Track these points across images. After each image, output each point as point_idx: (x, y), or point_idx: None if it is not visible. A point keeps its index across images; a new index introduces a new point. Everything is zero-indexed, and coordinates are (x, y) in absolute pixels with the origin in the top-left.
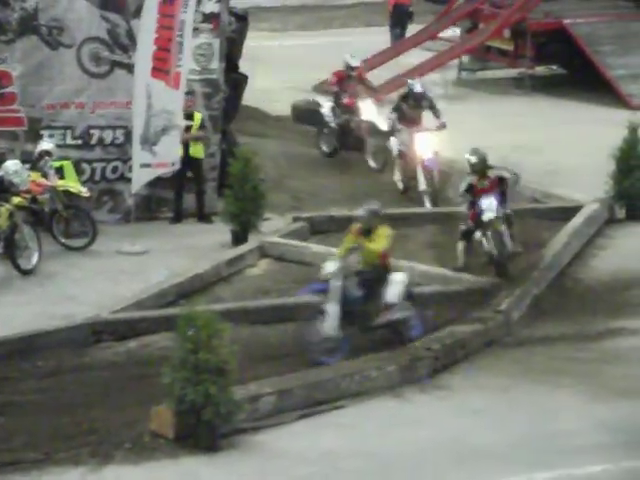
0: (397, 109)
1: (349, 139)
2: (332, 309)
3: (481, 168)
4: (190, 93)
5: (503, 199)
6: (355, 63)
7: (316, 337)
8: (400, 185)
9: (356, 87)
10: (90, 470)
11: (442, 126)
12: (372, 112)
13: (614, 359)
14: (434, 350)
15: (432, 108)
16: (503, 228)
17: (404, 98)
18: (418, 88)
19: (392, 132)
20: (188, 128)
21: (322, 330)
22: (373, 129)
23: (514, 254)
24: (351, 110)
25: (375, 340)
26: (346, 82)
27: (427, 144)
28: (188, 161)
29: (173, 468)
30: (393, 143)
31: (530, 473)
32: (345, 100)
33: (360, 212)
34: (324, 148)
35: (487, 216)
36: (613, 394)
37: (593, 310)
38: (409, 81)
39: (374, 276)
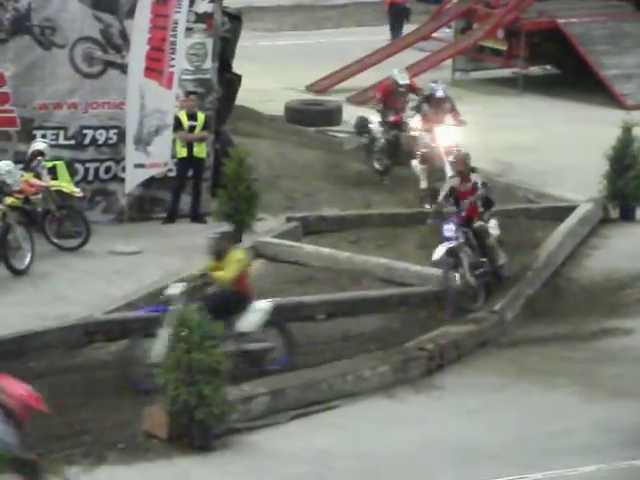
0: (418, 110)
1: (399, 154)
2: (163, 334)
3: (461, 170)
4: (194, 93)
5: (487, 205)
6: (403, 80)
7: (142, 360)
8: (427, 205)
9: (404, 102)
10: (83, 470)
11: (461, 122)
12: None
13: (608, 359)
14: (428, 350)
15: (453, 111)
16: (463, 256)
17: (426, 100)
18: (440, 93)
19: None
20: (192, 128)
21: (149, 354)
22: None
23: (499, 267)
24: (398, 126)
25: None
26: (393, 97)
27: (449, 135)
28: (191, 161)
29: (167, 468)
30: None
31: (524, 473)
32: (391, 118)
33: (210, 235)
34: (377, 166)
35: (436, 255)
36: (607, 394)
37: (587, 310)
38: (432, 85)
39: (223, 302)
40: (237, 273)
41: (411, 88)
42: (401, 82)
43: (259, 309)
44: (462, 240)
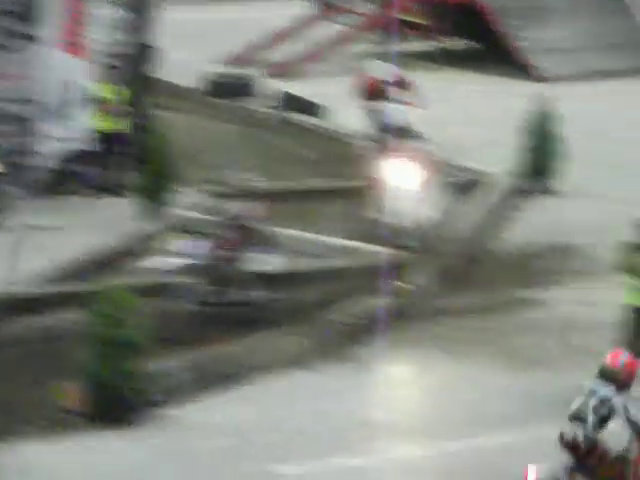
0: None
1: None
2: None
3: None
4: (115, 67)
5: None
6: (385, 74)
7: None
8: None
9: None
10: (0, 448)
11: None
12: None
13: (524, 329)
14: (345, 322)
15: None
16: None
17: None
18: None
19: None
20: (112, 102)
21: None
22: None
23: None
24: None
25: None
26: (378, 94)
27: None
28: (112, 135)
29: (87, 444)
30: None
31: (441, 443)
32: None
33: None
34: None
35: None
36: (522, 364)
37: (503, 281)
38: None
39: None
40: None
41: (397, 82)
42: (383, 77)
43: None
44: (196, 262)
